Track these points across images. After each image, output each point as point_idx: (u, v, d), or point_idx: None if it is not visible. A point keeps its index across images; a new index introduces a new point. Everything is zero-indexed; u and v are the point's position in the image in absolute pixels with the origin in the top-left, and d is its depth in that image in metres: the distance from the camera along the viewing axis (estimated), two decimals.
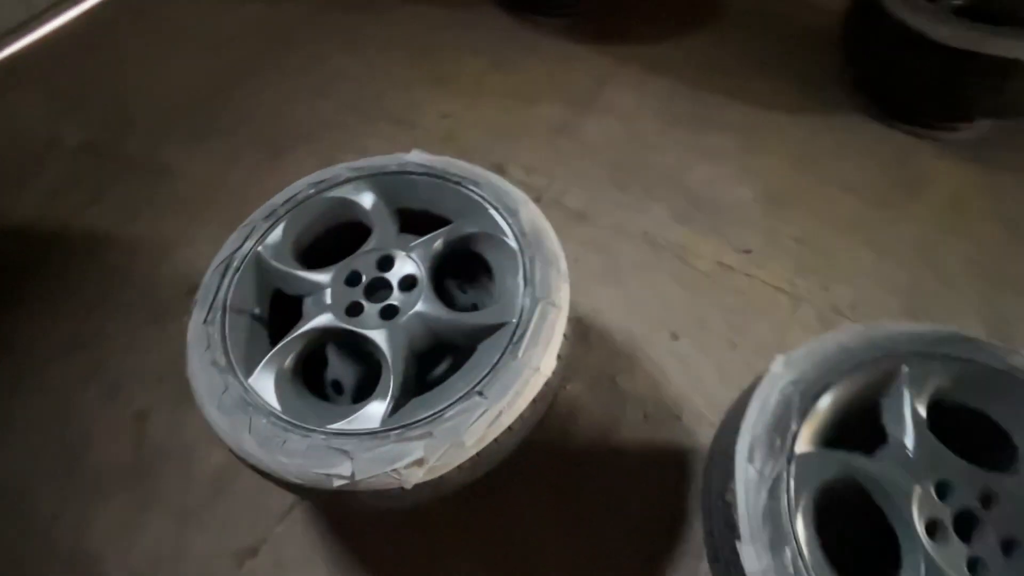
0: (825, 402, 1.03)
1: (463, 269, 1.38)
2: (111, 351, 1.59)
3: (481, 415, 0.97)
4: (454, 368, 1.25)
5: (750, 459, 0.99)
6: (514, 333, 1.06)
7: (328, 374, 1.28)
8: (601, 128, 2.12)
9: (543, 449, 1.43)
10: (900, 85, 2.04)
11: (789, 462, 0.98)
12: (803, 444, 1.00)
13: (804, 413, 1.02)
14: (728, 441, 1.09)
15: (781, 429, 1.00)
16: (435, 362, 1.27)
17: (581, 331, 1.62)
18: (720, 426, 1.21)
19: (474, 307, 1.40)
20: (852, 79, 2.22)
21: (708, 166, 2.00)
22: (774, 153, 2.04)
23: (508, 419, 0.99)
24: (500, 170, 1.98)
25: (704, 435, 1.46)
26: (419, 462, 0.94)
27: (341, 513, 1.34)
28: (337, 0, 2.58)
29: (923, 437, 1.00)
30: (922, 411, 1.02)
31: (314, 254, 1.27)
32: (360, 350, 1.24)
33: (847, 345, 1.09)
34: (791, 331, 1.65)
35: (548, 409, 1.12)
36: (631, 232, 1.84)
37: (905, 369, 1.05)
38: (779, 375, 1.07)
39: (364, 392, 1.28)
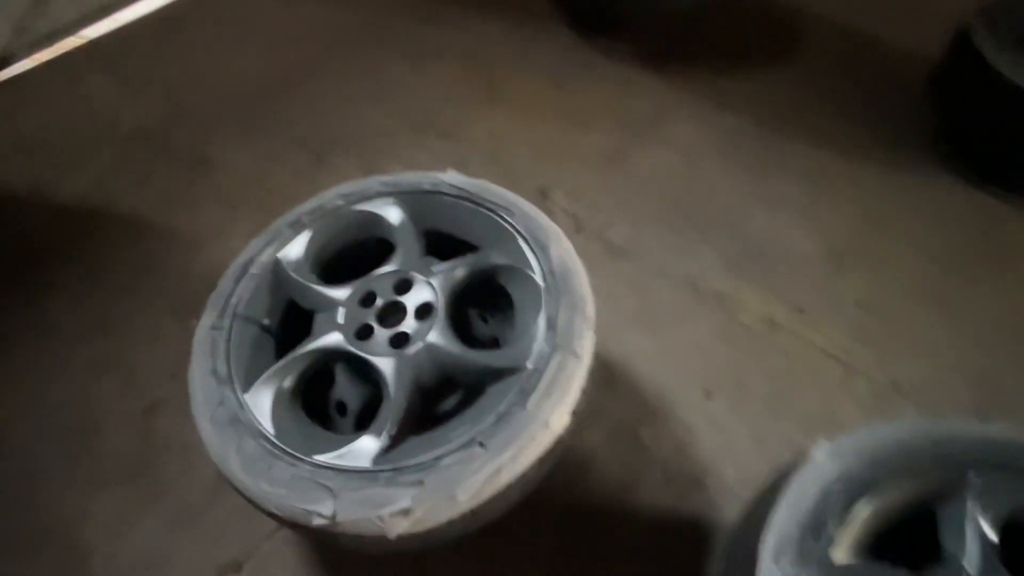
0: (871, 505, 0.90)
1: (487, 298, 1.30)
2: (132, 341, 1.59)
3: (479, 469, 0.89)
4: (464, 405, 1.17)
5: (776, 560, 0.87)
6: (526, 381, 0.97)
7: (333, 394, 1.23)
8: (656, 160, 2.01)
9: (550, 498, 1.32)
10: (995, 143, 1.85)
11: (823, 571, 0.85)
12: (840, 552, 0.87)
13: (845, 515, 0.89)
14: (754, 532, 0.96)
15: (816, 530, 0.88)
16: (446, 394, 1.19)
17: (607, 376, 1.51)
18: (747, 511, 1.08)
19: (495, 340, 1.32)
20: (939, 133, 2.03)
21: (769, 213, 1.87)
22: (844, 206, 1.88)
23: (508, 476, 0.90)
24: (543, 194, 1.91)
25: (730, 510, 1.33)
26: (405, 512, 0.86)
27: (324, 546, 1.28)
28: (400, 8, 2.58)
29: (989, 563, 0.85)
30: (991, 533, 0.87)
31: (335, 268, 1.23)
32: (366, 373, 1.18)
33: (905, 441, 0.95)
34: (841, 405, 1.49)
35: (559, 459, 1.03)
36: (674, 275, 1.72)
37: (974, 479, 0.90)
38: (820, 465, 0.94)
39: (368, 417, 1.21)
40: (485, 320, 1.34)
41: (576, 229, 1.82)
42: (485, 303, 1.34)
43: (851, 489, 0.90)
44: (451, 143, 2.07)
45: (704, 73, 2.29)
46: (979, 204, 1.89)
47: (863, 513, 0.89)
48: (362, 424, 1.20)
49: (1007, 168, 1.88)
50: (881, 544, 0.90)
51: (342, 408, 1.22)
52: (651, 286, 1.70)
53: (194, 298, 1.67)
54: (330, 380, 1.23)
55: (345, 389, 1.22)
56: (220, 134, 2.10)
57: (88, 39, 2.47)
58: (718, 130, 2.10)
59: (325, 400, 1.22)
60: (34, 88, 2.31)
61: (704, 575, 1.25)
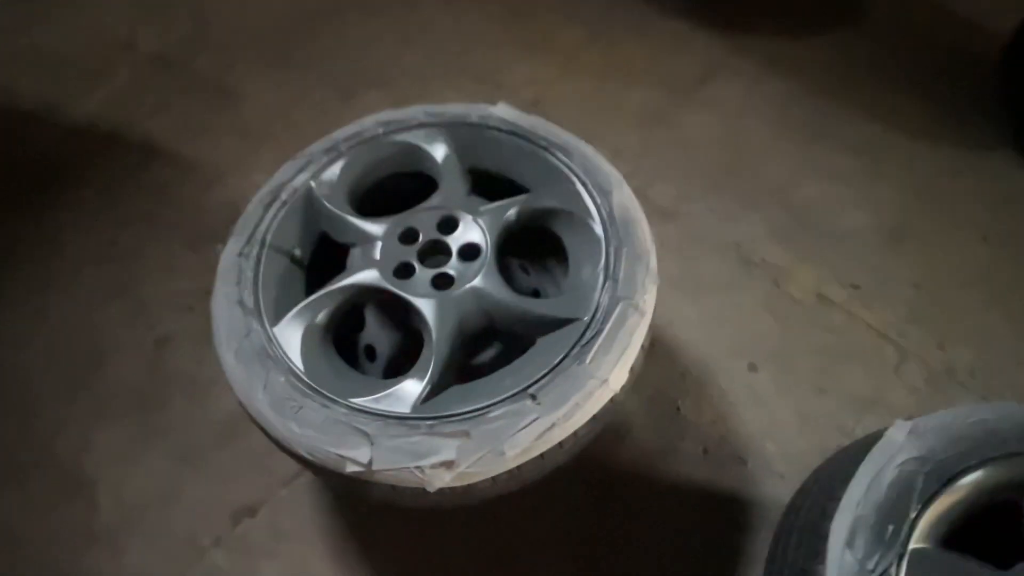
0: (956, 492, 0.82)
1: (529, 247, 1.21)
2: (143, 270, 1.50)
3: (530, 423, 0.81)
4: (502, 357, 1.09)
5: (849, 544, 0.79)
6: (584, 333, 0.88)
7: (362, 337, 1.15)
8: (702, 122, 1.89)
9: (583, 462, 1.25)
10: None
11: (901, 558, 0.77)
12: (920, 539, 0.80)
13: (928, 501, 0.81)
14: (816, 512, 0.89)
15: (896, 515, 0.80)
16: (481, 346, 1.11)
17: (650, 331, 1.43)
18: (806, 490, 1.01)
19: (535, 293, 1.23)
20: (1007, 111, 1.90)
21: (820, 184, 1.75)
22: (900, 183, 1.77)
23: (560, 434, 0.82)
24: None
25: (771, 488, 1.26)
26: (448, 464, 0.78)
27: (352, 495, 1.21)
28: None
29: None
30: None
31: (370, 201, 1.13)
32: (402, 317, 1.10)
33: (994, 425, 0.87)
34: (892, 388, 1.41)
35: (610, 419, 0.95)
36: (721, 241, 1.62)
37: None
38: (899, 445, 0.86)
39: (399, 364, 1.13)
40: (526, 271, 1.25)
41: None
42: (526, 252, 1.25)
43: (934, 473, 0.82)
44: (487, 88, 1.94)
45: (756, 34, 2.14)
46: None
47: (947, 499, 0.81)
48: (393, 370, 1.13)
49: None
50: (963, 533, 0.83)
51: (371, 353, 1.14)
52: (695, 250, 1.61)
53: (211, 230, 1.59)
54: (358, 322, 1.15)
55: (375, 333, 1.14)
56: (244, 64, 1.97)
57: None
58: (769, 94, 1.97)
59: (352, 343, 1.14)
60: (48, 2, 2.17)
61: (739, 549, 1.19)
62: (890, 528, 0.79)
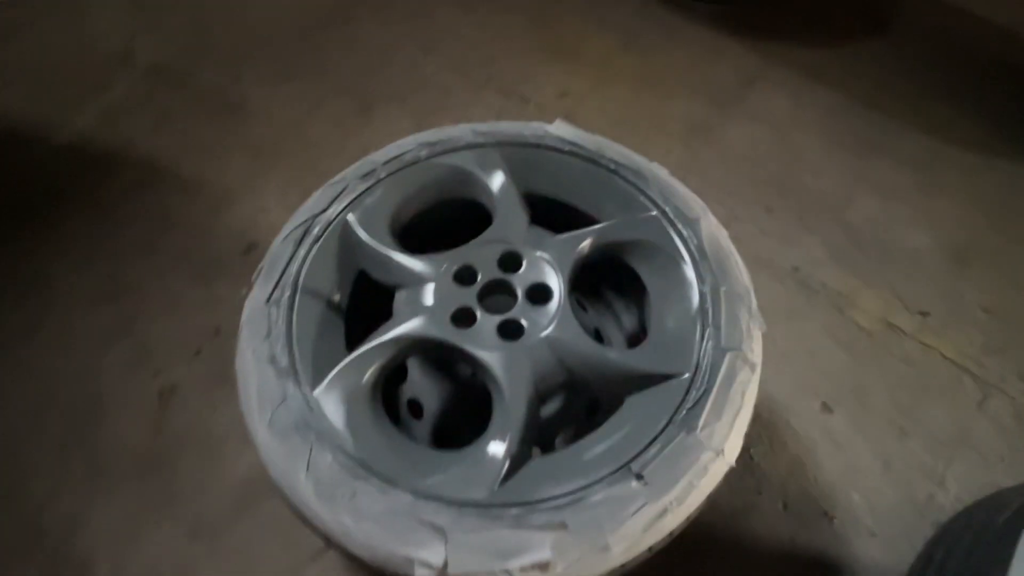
0: None
1: (586, 280, 1.07)
2: (145, 309, 1.34)
3: (639, 509, 0.66)
4: (569, 409, 0.95)
5: None
6: (688, 393, 0.74)
7: (404, 391, 1.00)
8: (746, 136, 1.77)
9: None
10: None
11: None
12: None
13: None
14: None
15: None
16: (547, 400, 0.96)
17: None
18: (931, 563, 0.87)
19: (596, 333, 1.09)
20: None
21: (876, 201, 1.64)
22: (960, 198, 1.66)
23: (675, 520, 0.68)
24: None
25: (862, 547, 1.12)
26: (543, 567, 0.64)
27: None
28: None
29: None
30: None
31: (414, 234, 0.98)
32: (452, 366, 0.95)
33: None
34: (978, 425, 1.28)
35: None
36: (778, 265, 1.50)
37: None
38: None
39: (451, 422, 0.99)
40: (584, 307, 1.12)
41: None
42: (582, 287, 1.11)
43: None
44: (514, 101, 1.81)
45: (793, 42, 2.04)
46: None
47: None
48: (443, 430, 0.98)
49: None
50: None
51: (416, 408, 0.99)
52: (753, 276, 1.47)
53: (220, 261, 1.44)
54: (400, 374, 1.00)
55: (421, 384, 0.99)
56: (251, 74, 1.82)
57: None
58: (814, 105, 1.86)
59: (393, 396, 0.99)
60: (35, 10, 2.00)
61: None
62: None
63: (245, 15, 2.00)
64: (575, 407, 0.98)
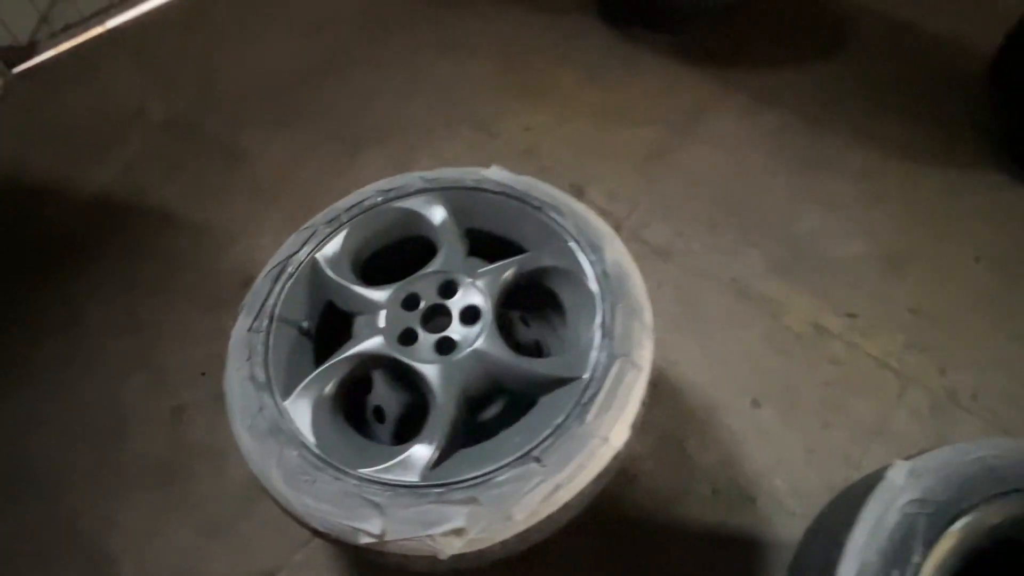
0: (959, 533, 0.84)
1: (528, 300, 1.24)
2: (162, 338, 1.56)
3: (536, 486, 0.83)
4: (507, 413, 1.12)
5: None
6: (584, 392, 0.91)
7: (371, 400, 1.18)
8: (699, 158, 1.94)
9: (594, 510, 1.27)
10: None
11: None
12: None
13: (932, 543, 0.83)
14: (824, 556, 0.90)
15: (900, 560, 0.82)
16: (485, 403, 1.14)
17: (653, 383, 1.45)
18: (813, 530, 1.02)
19: (536, 345, 1.26)
20: (1000, 132, 1.93)
21: (819, 214, 1.78)
22: (899, 208, 1.79)
23: (567, 495, 0.85)
24: (579, 192, 1.85)
25: (783, 526, 1.27)
26: (459, 532, 0.81)
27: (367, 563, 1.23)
28: None
29: None
30: None
31: (374, 268, 1.17)
32: (408, 380, 1.13)
33: (992, 463, 0.88)
34: (896, 416, 1.42)
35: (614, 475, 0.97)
36: (719, 278, 1.65)
37: None
38: (899, 487, 0.88)
39: (408, 425, 1.17)
40: (527, 323, 1.29)
41: (615, 228, 1.74)
42: (526, 305, 1.29)
43: (936, 514, 0.84)
44: (485, 136, 2.01)
45: (748, 68, 2.20)
46: None
47: (950, 541, 0.83)
48: (401, 432, 1.16)
49: None
50: (969, 571, 0.84)
51: (380, 414, 1.17)
52: (694, 289, 1.64)
53: (225, 294, 1.65)
54: (367, 385, 1.19)
55: (384, 395, 1.17)
56: (251, 124, 2.05)
57: (111, 27, 2.43)
58: (763, 127, 2.01)
59: (361, 406, 1.18)
60: (57, 77, 2.27)
61: None
62: (895, 573, 0.80)
63: (246, 68, 2.24)
64: (516, 409, 1.15)
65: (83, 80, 2.25)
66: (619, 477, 1.30)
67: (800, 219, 1.77)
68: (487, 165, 1.21)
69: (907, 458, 0.92)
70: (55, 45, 2.33)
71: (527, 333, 1.27)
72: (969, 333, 1.55)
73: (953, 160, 1.89)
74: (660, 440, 1.37)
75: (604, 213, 1.79)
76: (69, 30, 2.35)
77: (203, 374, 1.47)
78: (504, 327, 1.20)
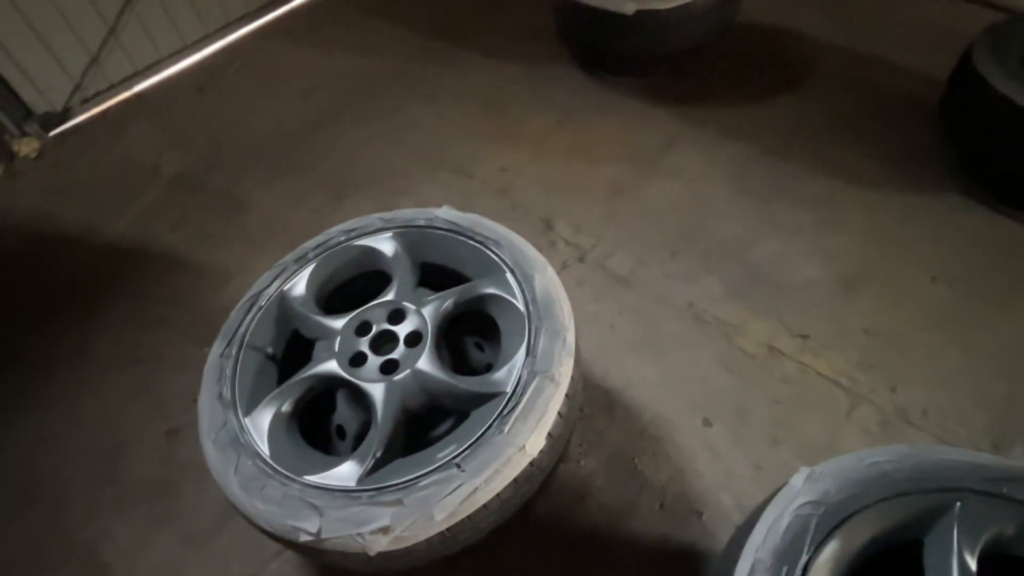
0: (849, 533, 0.89)
1: (482, 327, 1.36)
2: (161, 369, 1.71)
3: (455, 489, 0.93)
4: (453, 429, 1.22)
5: None
6: (505, 405, 1.01)
7: (334, 419, 1.30)
8: (662, 191, 2.05)
9: (545, 525, 1.34)
10: (1008, 166, 1.82)
11: None
12: None
13: (821, 542, 0.89)
14: (732, 559, 0.97)
15: (791, 558, 0.88)
16: (437, 419, 1.24)
17: (606, 403, 1.54)
18: (731, 539, 1.08)
19: (488, 367, 1.37)
20: (954, 157, 2.01)
21: (776, 240, 1.87)
22: (855, 232, 1.87)
23: (484, 497, 0.94)
24: (548, 225, 1.97)
25: (725, 539, 1.31)
26: (384, 530, 0.91)
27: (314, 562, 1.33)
28: (420, 54, 2.73)
29: None
30: (971, 562, 0.85)
31: (337, 298, 1.31)
32: (361, 399, 1.25)
33: (886, 468, 0.94)
34: (845, 433, 1.46)
35: (551, 484, 1.06)
36: (676, 303, 1.74)
37: (958, 507, 0.89)
38: (797, 491, 0.95)
39: (362, 438, 1.28)
40: (481, 348, 1.40)
41: (579, 259, 1.87)
42: (480, 332, 1.40)
43: (827, 515, 0.90)
44: (462, 178, 2.16)
45: (713, 105, 2.33)
46: (998, 228, 1.85)
47: (839, 541, 0.89)
48: (358, 447, 1.27)
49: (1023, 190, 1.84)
50: (866, 572, 0.89)
51: (341, 432, 1.28)
52: (653, 314, 1.72)
53: (218, 329, 1.80)
54: (332, 405, 1.31)
55: (344, 413, 1.29)
56: (251, 177, 2.26)
57: (135, 92, 2.71)
58: (726, 160, 2.12)
59: (327, 424, 1.29)
60: (88, 138, 2.55)
61: None
62: (784, 570, 0.87)
63: (249, 126, 2.47)
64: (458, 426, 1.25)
65: (108, 140, 2.51)
66: (570, 492, 1.39)
67: (759, 246, 1.85)
68: (465, 204, 1.35)
69: (811, 466, 0.99)
70: (86, 110, 2.62)
71: (481, 356, 1.38)
72: (922, 351, 1.59)
73: (910, 185, 1.97)
74: (612, 458, 1.44)
75: (571, 245, 1.92)
76: (99, 96, 2.64)
77: (195, 400, 1.60)
78: (457, 351, 1.32)
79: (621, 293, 1.78)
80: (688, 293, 1.76)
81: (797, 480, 0.96)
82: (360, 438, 1.27)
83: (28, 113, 2.45)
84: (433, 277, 1.31)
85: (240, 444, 1.03)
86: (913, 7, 2.64)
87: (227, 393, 1.10)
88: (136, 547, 1.40)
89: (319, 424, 1.27)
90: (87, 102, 2.60)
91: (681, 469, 1.42)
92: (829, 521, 0.90)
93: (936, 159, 2.04)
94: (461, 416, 1.17)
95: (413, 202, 2.06)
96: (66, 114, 2.55)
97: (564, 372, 1.05)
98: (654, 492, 1.39)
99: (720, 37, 2.33)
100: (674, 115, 2.31)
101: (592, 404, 1.53)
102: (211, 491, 1.46)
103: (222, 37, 2.89)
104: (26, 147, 2.41)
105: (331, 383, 1.15)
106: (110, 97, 2.65)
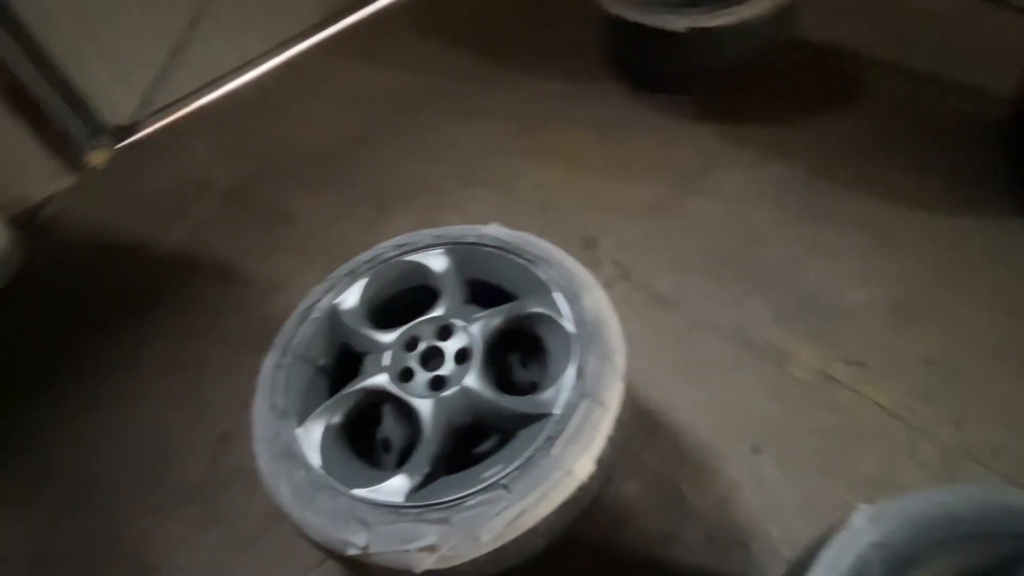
0: None
1: (528, 345, 1.35)
2: (208, 377, 1.76)
3: (502, 511, 0.92)
4: (498, 447, 1.22)
5: None
6: (553, 427, 1.01)
7: (380, 432, 1.31)
8: (705, 211, 2.02)
9: (584, 548, 1.32)
10: None
11: None
12: None
13: None
14: None
15: None
16: (481, 437, 1.24)
17: (648, 425, 1.51)
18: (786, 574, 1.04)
19: (533, 385, 1.36)
20: (1014, 178, 1.92)
21: (824, 264, 1.81)
22: (908, 257, 1.79)
23: (531, 520, 0.93)
24: (589, 244, 1.96)
25: (774, 574, 1.27)
26: (431, 548, 0.91)
27: None
28: (462, 72, 2.77)
29: None
30: None
31: (386, 313, 1.33)
32: (408, 414, 1.26)
33: (954, 510, 0.90)
34: (904, 469, 1.40)
35: (592, 508, 1.05)
36: (722, 325, 1.70)
37: None
38: (860, 531, 0.91)
39: (409, 455, 1.28)
40: (525, 365, 1.39)
41: (622, 278, 1.85)
42: (526, 349, 1.40)
43: (891, 559, 0.86)
44: (501, 194, 2.17)
45: (756, 122, 2.28)
46: None
47: None
48: (404, 461, 1.27)
49: None
50: None
51: (387, 445, 1.29)
52: (697, 336, 1.69)
53: (266, 338, 1.84)
54: (378, 419, 1.32)
55: (390, 428, 1.30)
56: (298, 190, 2.32)
57: (196, 107, 2.84)
58: (769, 179, 2.08)
59: (372, 438, 1.31)
60: (151, 152, 2.67)
61: None
62: None
63: (295, 142, 2.55)
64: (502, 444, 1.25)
65: (169, 153, 2.63)
66: (611, 516, 1.36)
67: (806, 268, 1.80)
68: (505, 221, 1.36)
69: (874, 504, 0.95)
70: (152, 124, 2.76)
71: (525, 375, 1.37)
72: (987, 384, 1.51)
73: (965, 208, 1.88)
74: (654, 481, 1.41)
75: (614, 263, 1.90)
76: (165, 110, 2.78)
77: (243, 408, 1.65)
78: (503, 368, 1.32)
79: (664, 314, 1.75)
80: (734, 316, 1.72)
81: (859, 519, 0.92)
82: (404, 452, 1.28)
83: (100, 126, 2.60)
84: (478, 293, 1.31)
85: (292, 454, 1.05)
86: (971, 21, 2.55)
87: (280, 403, 1.13)
88: (182, 548, 1.44)
89: (362, 436, 1.28)
90: (153, 116, 2.74)
91: (726, 497, 1.38)
92: (894, 565, 0.86)
93: (994, 181, 1.94)
94: (504, 435, 1.17)
95: (454, 218, 2.09)
96: (133, 127, 2.69)
97: (614, 396, 1.04)
98: (698, 520, 1.35)
99: (768, 54, 2.29)
100: (717, 133, 2.27)
101: (633, 425, 1.50)
102: (254, 497, 1.48)
103: (279, 54, 3.00)
104: (97, 158, 2.55)
105: (380, 397, 1.16)
106: (174, 111, 2.78)
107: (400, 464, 1.27)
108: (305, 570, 1.37)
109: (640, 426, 1.51)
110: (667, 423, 1.52)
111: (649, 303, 1.77)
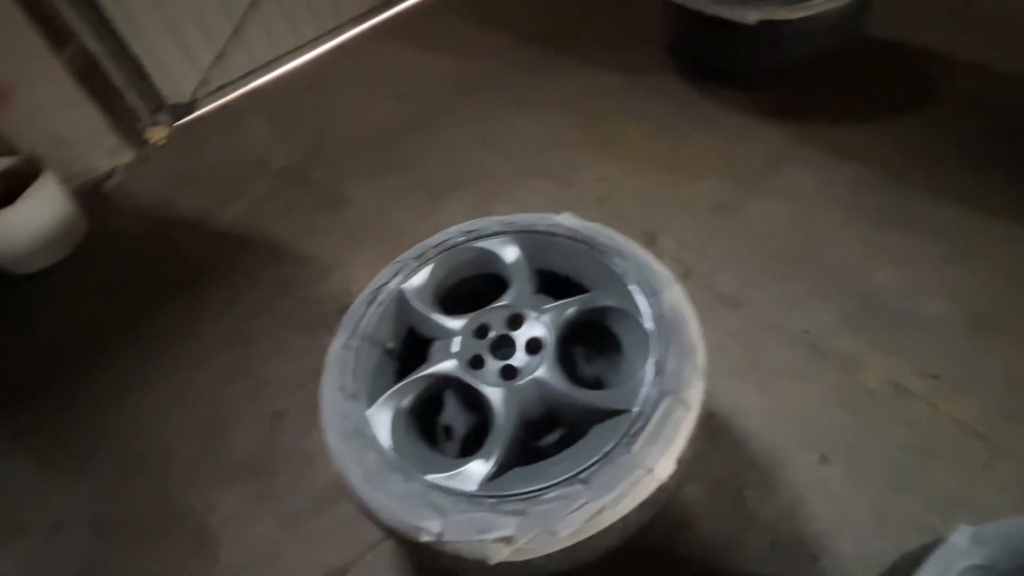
0: None
1: (592, 339, 1.32)
2: (264, 352, 1.78)
3: (581, 506, 0.90)
4: (563, 441, 1.19)
5: None
6: (632, 424, 0.97)
7: (442, 418, 1.29)
8: (769, 211, 1.96)
9: (647, 549, 1.29)
10: None
11: None
12: None
13: None
14: None
15: None
16: (545, 429, 1.22)
17: (712, 429, 1.46)
18: None
19: (596, 381, 1.33)
20: None
21: (896, 271, 1.74)
22: (985, 266, 1.71)
23: (609, 518, 0.90)
24: (651, 239, 1.92)
25: None
26: (507, 540, 0.89)
27: (424, 564, 1.32)
28: (518, 60, 2.73)
29: None
30: None
31: (454, 299, 1.31)
32: (474, 402, 1.24)
33: None
34: (982, 488, 1.33)
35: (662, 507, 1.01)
36: (788, 329, 1.65)
37: None
38: (961, 551, 0.85)
39: (473, 442, 1.26)
40: (589, 361, 1.36)
41: (684, 276, 1.80)
42: (590, 343, 1.36)
43: None
44: (559, 186, 2.14)
45: (827, 121, 2.20)
46: None
47: None
48: (466, 449, 1.26)
49: None
50: None
51: (449, 432, 1.28)
52: (761, 338, 1.64)
53: (320, 318, 1.86)
54: (439, 404, 1.30)
55: (453, 414, 1.28)
56: (352, 173, 2.33)
57: (253, 87, 2.86)
58: (838, 180, 2.00)
59: (433, 423, 1.29)
60: (207, 130, 2.71)
61: None
62: None
63: (351, 124, 2.55)
64: (572, 439, 1.22)
65: (226, 132, 2.66)
66: (672, 519, 1.33)
67: (876, 275, 1.73)
68: (560, 212, 1.33)
69: (973, 524, 0.90)
70: (210, 102, 2.80)
71: (589, 369, 1.34)
72: None
73: None
74: (717, 487, 1.37)
75: (675, 260, 1.85)
76: (222, 89, 2.81)
77: (300, 386, 1.66)
78: (567, 361, 1.29)
79: (728, 314, 1.70)
80: (801, 320, 1.66)
81: (960, 539, 0.87)
82: (467, 440, 1.26)
83: (161, 103, 2.64)
84: (549, 285, 1.28)
85: (363, 436, 1.04)
86: None
87: (349, 384, 1.12)
88: (238, 520, 1.45)
89: (425, 422, 1.26)
90: (211, 95, 2.78)
91: (792, 507, 1.33)
92: None
93: None
94: (571, 428, 1.14)
95: (510, 206, 2.06)
96: (192, 105, 2.73)
97: (695, 395, 1.00)
98: (763, 528, 1.31)
99: (841, 50, 2.21)
100: (783, 131, 2.20)
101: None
102: (309, 475, 1.50)
103: (333, 38, 3.01)
104: (157, 134, 2.59)
105: (448, 384, 1.14)
106: (231, 91, 2.82)
107: (463, 452, 1.26)
108: (359, 552, 1.37)
109: (705, 430, 1.46)
110: (730, 427, 1.47)
111: (711, 303, 1.72)
